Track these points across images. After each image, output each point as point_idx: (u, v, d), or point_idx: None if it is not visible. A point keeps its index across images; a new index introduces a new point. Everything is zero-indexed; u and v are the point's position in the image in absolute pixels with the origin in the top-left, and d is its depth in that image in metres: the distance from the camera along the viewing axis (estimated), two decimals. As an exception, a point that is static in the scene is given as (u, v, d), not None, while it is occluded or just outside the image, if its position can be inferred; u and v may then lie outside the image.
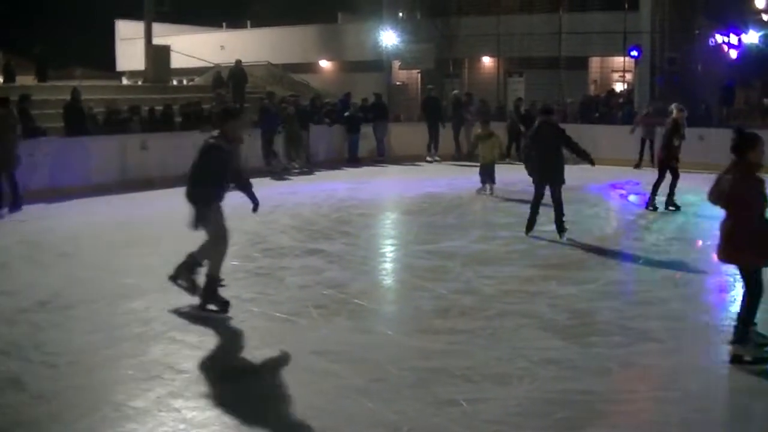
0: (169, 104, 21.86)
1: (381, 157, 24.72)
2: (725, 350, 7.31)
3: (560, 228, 12.31)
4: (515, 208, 15.56)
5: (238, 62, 26.59)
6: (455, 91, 26.70)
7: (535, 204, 12.50)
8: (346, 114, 24.57)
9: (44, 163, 16.95)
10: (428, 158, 24.90)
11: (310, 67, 38.14)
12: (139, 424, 5.68)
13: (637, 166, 22.71)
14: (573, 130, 23.71)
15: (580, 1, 31.96)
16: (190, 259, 8.71)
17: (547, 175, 12.24)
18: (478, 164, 17.62)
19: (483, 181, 17.36)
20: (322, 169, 22.30)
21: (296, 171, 21.87)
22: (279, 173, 21.01)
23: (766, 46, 30.07)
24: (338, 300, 8.90)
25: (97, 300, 8.91)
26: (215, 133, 8.47)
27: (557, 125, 12.64)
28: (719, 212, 15.08)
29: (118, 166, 18.40)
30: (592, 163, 12.73)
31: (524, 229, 12.54)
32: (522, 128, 25.10)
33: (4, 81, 27.77)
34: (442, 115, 25.52)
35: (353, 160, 24.14)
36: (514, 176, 19.37)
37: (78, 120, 18.87)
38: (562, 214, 12.31)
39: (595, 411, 6.00)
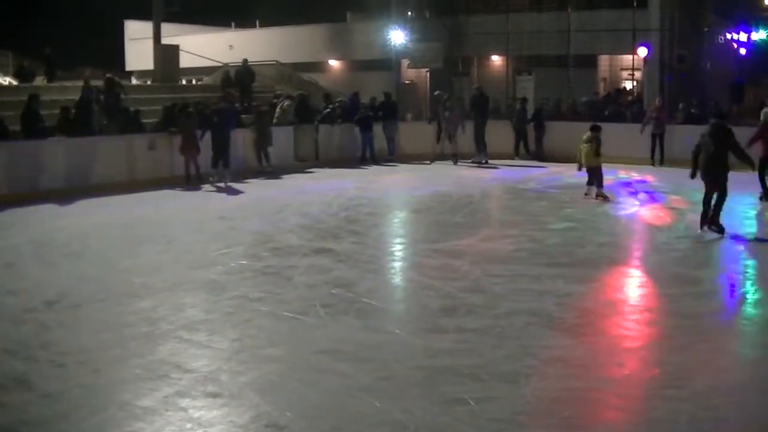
0: (177, 104, 21.85)
1: (391, 156, 24.67)
2: (735, 349, 7.31)
3: (716, 225, 12.40)
4: (524, 207, 15.58)
5: (245, 62, 26.59)
6: (437, 92, 25.89)
7: (707, 199, 12.59)
8: (360, 114, 24.50)
9: (53, 163, 16.97)
10: (475, 160, 24.18)
11: (319, 66, 38.14)
12: (146, 423, 5.67)
13: (653, 163, 22.68)
14: (584, 128, 23.93)
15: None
16: None
17: (714, 174, 12.35)
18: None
19: (589, 183, 16.54)
20: (331, 168, 22.28)
21: (267, 173, 20.69)
22: (214, 182, 18.69)
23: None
24: (346, 299, 8.88)
25: (105, 299, 8.92)
26: None
27: (729, 128, 12.75)
28: (729, 210, 15.08)
29: (126, 165, 18.40)
30: (753, 168, 13.46)
31: (699, 224, 12.61)
32: (531, 126, 25.16)
33: (19, 83, 27.85)
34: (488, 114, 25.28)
35: (372, 158, 24.12)
36: (522, 174, 19.39)
37: (86, 119, 18.92)
38: (720, 212, 12.41)
39: (603, 409, 5.98)
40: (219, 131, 18.98)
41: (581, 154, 16.28)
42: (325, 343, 7.34)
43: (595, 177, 16.20)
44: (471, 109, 25.33)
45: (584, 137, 16.50)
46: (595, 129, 16.49)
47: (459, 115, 24.15)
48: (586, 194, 16.46)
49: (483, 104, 24.92)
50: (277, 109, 23.35)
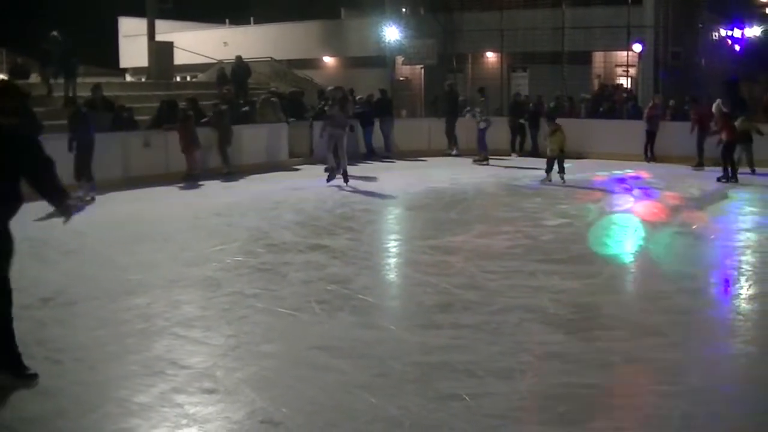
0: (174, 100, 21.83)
1: (387, 152, 24.70)
2: (729, 345, 7.34)
3: None
4: (519, 203, 15.61)
5: (239, 58, 26.56)
6: (330, 88, 22.56)
7: None
8: (358, 110, 24.52)
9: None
10: (447, 152, 25.17)
11: (314, 63, 38.15)
12: (143, 419, 5.68)
13: (648, 159, 22.76)
14: (580, 124, 23.95)
15: (583, -4, 31.96)
16: None
17: None
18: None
19: (548, 171, 18.40)
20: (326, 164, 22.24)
21: (226, 174, 19.68)
22: (79, 206, 14.19)
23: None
24: (341, 295, 8.90)
25: (101, 296, 8.92)
26: None
27: None
28: (725, 207, 15.16)
29: (121, 163, 18.36)
30: None
31: None
32: (524, 123, 25.20)
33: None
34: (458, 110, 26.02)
35: (371, 153, 24.24)
36: (518, 171, 19.42)
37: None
38: None
39: (598, 405, 6.00)
40: (81, 138, 16.04)
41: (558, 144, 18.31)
42: (320, 340, 7.35)
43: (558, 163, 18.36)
44: (443, 105, 25.92)
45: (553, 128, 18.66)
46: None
47: (343, 117, 18.72)
48: (549, 180, 18.38)
49: (453, 100, 25.51)
50: (257, 104, 23.33)
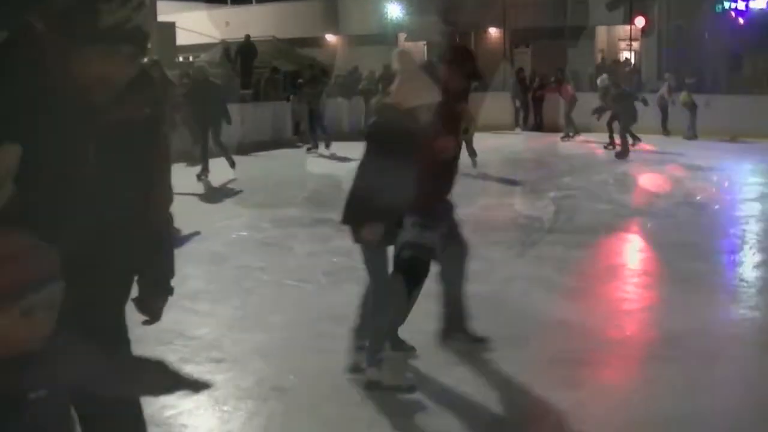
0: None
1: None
2: (733, 311, 7.38)
3: None
4: (522, 176, 15.64)
5: (247, 37, 26.56)
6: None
7: None
8: (362, 86, 24.53)
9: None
10: None
11: (316, 42, 38.05)
12: (151, 388, 5.73)
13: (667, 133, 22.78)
14: (583, 99, 23.91)
15: (586, -30, 31.85)
16: None
17: None
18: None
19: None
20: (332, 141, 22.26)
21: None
22: None
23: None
24: (346, 266, 8.89)
25: (108, 271, 8.95)
26: None
27: None
28: (729, 179, 15.13)
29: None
30: None
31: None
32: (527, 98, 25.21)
33: None
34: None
35: None
36: (522, 145, 19.45)
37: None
38: None
39: (602, 369, 6.06)
40: None
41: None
42: (326, 310, 7.39)
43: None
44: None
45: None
46: None
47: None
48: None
49: None
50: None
